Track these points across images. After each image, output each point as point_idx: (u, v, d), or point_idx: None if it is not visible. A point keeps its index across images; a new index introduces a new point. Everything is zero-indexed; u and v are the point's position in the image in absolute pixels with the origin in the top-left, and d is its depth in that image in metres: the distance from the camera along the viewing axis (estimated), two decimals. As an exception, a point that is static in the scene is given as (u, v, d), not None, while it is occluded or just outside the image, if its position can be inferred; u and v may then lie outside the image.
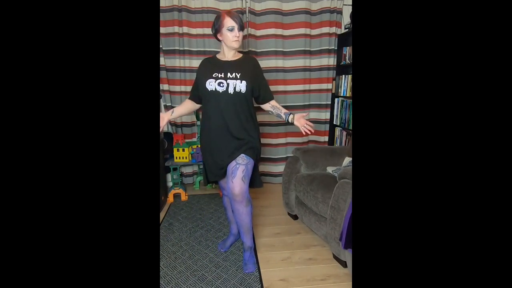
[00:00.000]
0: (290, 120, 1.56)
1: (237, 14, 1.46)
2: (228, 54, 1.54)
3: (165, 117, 1.53)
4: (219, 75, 1.49)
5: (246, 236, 1.65)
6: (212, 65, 1.55)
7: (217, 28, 1.48)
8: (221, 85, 1.47)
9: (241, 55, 1.59)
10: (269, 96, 1.62)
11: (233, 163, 1.51)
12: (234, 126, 1.50)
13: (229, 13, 1.45)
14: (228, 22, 1.43)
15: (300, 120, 1.53)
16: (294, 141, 3.02)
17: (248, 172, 1.51)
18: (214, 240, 1.96)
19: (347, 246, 1.46)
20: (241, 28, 1.46)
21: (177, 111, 1.62)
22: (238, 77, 1.48)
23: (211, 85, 1.47)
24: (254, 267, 1.65)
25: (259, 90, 1.57)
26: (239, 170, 1.49)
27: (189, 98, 1.68)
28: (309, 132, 1.52)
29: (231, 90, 1.46)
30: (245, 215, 1.56)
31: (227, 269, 1.65)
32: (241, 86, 1.47)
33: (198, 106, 1.68)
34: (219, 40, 1.53)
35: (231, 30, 1.44)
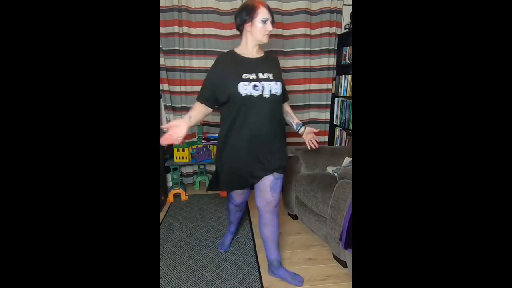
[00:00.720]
0: (300, 132, 1.54)
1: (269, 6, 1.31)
2: (253, 49, 1.34)
3: (183, 125, 1.28)
4: (251, 76, 1.28)
5: (277, 249, 1.56)
6: (235, 63, 1.32)
7: (246, 18, 1.27)
8: (256, 88, 1.28)
9: (263, 51, 1.40)
10: (286, 98, 1.54)
11: (271, 178, 1.41)
12: (269, 133, 1.35)
13: (263, 3, 1.27)
14: (263, 13, 1.25)
15: (307, 135, 1.53)
16: (294, 141, 3.02)
17: (282, 184, 1.49)
18: (214, 240, 1.96)
19: (347, 246, 1.46)
20: (273, 22, 1.30)
21: (194, 117, 1.37)
22: (271, 78, 1.32)
23: (245, 89, 1.26)
24: (302, 279, 1.56)
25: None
26: (277, 184, 1.44)
27: (201, 102, 1.39)
28: (313, 147, 1.51)
29: (266, 94, 1.29)
30: (277, 226, 1.52)
31: (227, 269, 1.65)
32: (277, 88, 1.32)
33: (210, 110, 1.43)
34: (240, 32, 1.34)
35: (265, 22, 1.26)
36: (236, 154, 1.38)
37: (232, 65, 1.31)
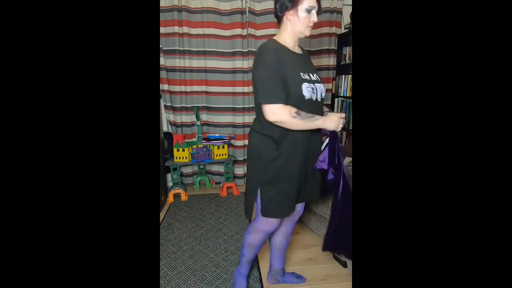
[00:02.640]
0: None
1: None
2: (295, 44, 1.14)
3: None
4: (307, 77, 1.10)
5: (284, 257, 1.53)
6: (290, 59, 1.10)
7: (288, 5, 1.05)
8: (314, 91, 1.10)
9: (298, 46, 1.20)
10: None
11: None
12: (317, 143, 1.20)
13: None
14: (309, 0, 1.04)
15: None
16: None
17: None
18: (214, 240, 1.96)
19: (325, 248, 1.37)
20: (320, 13, 1.10)
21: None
22: (319, 79, 1.16)
23: (308, 92, 1.07)
24: (304, 277, 1.57)
25: None
26: None
27: (285, 103, 1.07)
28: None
29: (319, 97, 1.13)
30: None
31: (227, 269, 1.65)
32: (323, 90, 1.16)
33: None
34: (279, 21, 1.13)
35: (310, 11, 1.05)
36: (297, 169, 1.15)
37: (290, 61, 1.08)
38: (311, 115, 1.08)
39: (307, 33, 1.10)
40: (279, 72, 1.05)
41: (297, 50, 1.17)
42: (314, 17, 1.07)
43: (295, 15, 1.06)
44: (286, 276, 1.56)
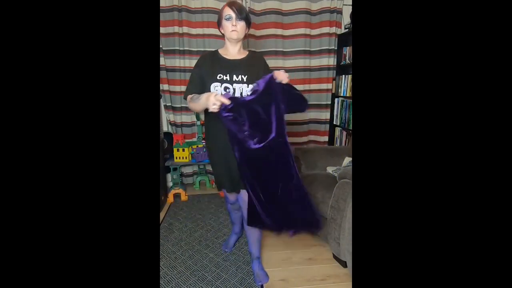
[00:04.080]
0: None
1: (239, 4, 1.33)
2: (233, 49, 1.37)
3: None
4: (224, 78, 1.30)
5: (255, 246, 1.58)
6: (215, 63, 1.35)
7: (218, 20, 1.36)
8: (227, 90, 1.29)
9: (247, 52, 1.42)
10: None
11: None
12: None
13: (230, 3, 1.33)
14: (226, 11, 1.31)
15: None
16: (294, 141, 3.02)
17: None
18: (214, 240, 1.96)
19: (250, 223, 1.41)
20: (242, 18, 1.30)
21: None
22: (245, 80, 1.31)
23: (216, 90, 1.28)
24: (267, 278, 1.57)
25: None
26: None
27: None
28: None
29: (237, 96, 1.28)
30: (258, 229, 1.50)
31: (227, 269, 1.65)
32: (248, 91, 1.29)
33: None
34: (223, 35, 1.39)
35: (228, 19, 1.30)
36: (221, 159, 1.40)
37: (211, 64, 1.34)
38: (198, 96, 1.24)
39: (233, 36, 1.32)
40: (198, 73, 1.35)
41: (238, 56, 1.38)
42: (233, 22, 1.30)
43: (222, 26, 1.34)
44: (255, 264, 1.59)
